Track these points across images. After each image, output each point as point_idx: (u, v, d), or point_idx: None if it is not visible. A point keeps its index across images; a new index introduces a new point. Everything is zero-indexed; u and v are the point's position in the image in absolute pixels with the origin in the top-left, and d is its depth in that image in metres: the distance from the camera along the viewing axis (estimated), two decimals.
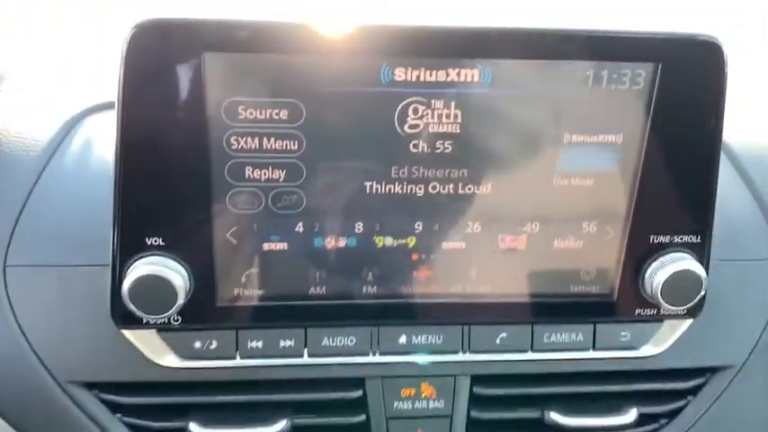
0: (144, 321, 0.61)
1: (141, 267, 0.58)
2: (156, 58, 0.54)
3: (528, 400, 0.70)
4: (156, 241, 0.59)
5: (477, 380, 0.69)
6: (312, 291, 0.63)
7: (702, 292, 0.64)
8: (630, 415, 0.68)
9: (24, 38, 0.94)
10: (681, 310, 0.65)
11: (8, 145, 0.69)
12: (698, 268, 0.63)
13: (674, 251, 0.64)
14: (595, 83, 0.59)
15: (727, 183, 0.76)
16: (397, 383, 0.68)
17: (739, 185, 0.77)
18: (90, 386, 0.65)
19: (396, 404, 0.68)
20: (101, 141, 0.71)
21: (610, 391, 0.70)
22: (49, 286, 0.65)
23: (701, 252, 0.64)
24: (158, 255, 0.59)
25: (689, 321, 0.69)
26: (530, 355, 0.67)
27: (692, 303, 0.64)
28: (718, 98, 0.60)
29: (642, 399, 0.70)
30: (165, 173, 0.57)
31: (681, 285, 0.63)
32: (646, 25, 0.59)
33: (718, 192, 0.72)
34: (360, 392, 0.68)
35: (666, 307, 0.64)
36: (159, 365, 0.64)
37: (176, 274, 0.58)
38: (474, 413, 0.69)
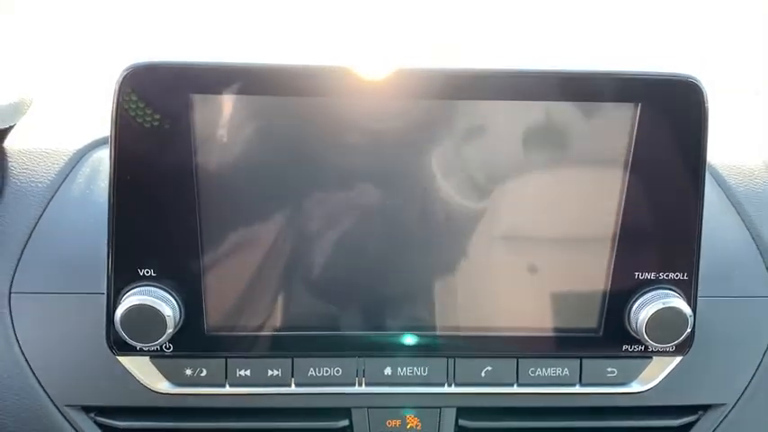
0: (137, 348, 0.64)
1: (133, 297, 0.61)
2: (146, 99, 0.57)
3: None
4: (147, 272, 0.62)
5: (462, 412, 0.70)
6: (299, 322, 0.65)
7: (688, 330, 0.64)
8: None
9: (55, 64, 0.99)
10: (668, 347, 0.65)
11: (18, 177, 0.73)
12: (683, 306, 0.63)
13: (659, 288, 0.64)
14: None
15: (721, 218, 0.76)
16: (383, 414, 0.69)
17: (735, 221, 0.76)
18: (87, 410, 0.68)
19: None
20: (104, 174, 0.74)
21: (598, 427, 0.70)
22: (51, 313, 0.68)
23: (688, 289, 0.64)
24: (150, 285, 0.62)
25: (679, 358, 0.68)
26: (515, 389, 0.68)
27: (678, 341, 0.64)
28: (700, 136, 0.60)
29: None
30: (156, 208, 0.60)
31: (666, 323, 0.63)
32: (624, 64, 0.59)
33: (712, 227, 0.72)
34: (346, 422, 0.69)
35: (652, 344, 0.64)
36: (152, 391, 0.66)
37: (166, 305, 0.61)
38: None
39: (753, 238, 0.75)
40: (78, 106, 0.91)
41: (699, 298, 0.65)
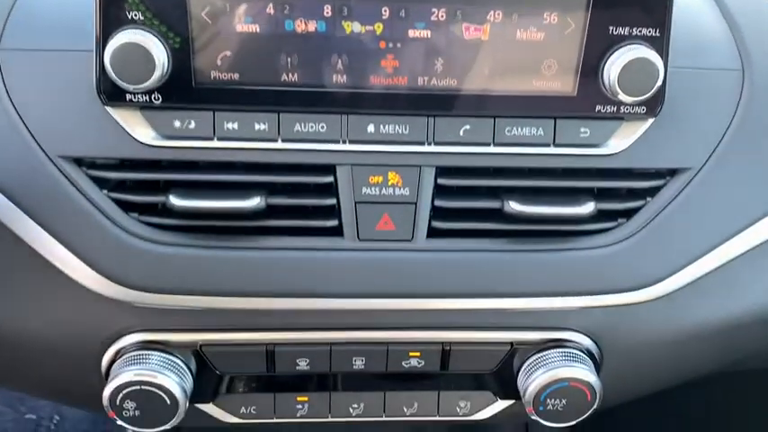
0: (127, 98, 0.66)
1: (122, 35, 0.62)
2: None
3: (490, 191, 0.73)
4: (136, 15, 0.63)
5: (441, 171, 0.72)
6: (284, 77, 0.67)
7: (659, 83, 0.66)
8: (587, 207, 0.71)
9: None
10: (639, 104, 0.68)
11: None
12: (655, 58, 0.66)
13: (632, 43, 0.66)
14: None
15: (696, 4, 0.78)
16: (366, 171, 0.71)
17: (710, 6, 0.78)
18: (79, 162, 0.70)
19: (364, 190, 0.72)
20: None
21: (569, 187, 0.73)
22: (40, 69, 0.69)
23: (660, 44, 0.67)
24: (139, 27, 0.63)
25: (649, 122, 0.72)
26: (492, 149, 0.71)
27: (649, 95, 0.67)
28: None
29: (601, 196, 0.73)
30: None
31: (638, 73, 0.66)
32: None
33: (686, 8, 0.74)
34: (330, 178, 0.71)
35: (624, 98, 0.67)
36: (142, 143, 0.68)
37: (154, 45, 0.63)
38: (438, 202, 0.73)
39: (725, 18, 0.77)
40: None
41: (670, 68, 0.68)
